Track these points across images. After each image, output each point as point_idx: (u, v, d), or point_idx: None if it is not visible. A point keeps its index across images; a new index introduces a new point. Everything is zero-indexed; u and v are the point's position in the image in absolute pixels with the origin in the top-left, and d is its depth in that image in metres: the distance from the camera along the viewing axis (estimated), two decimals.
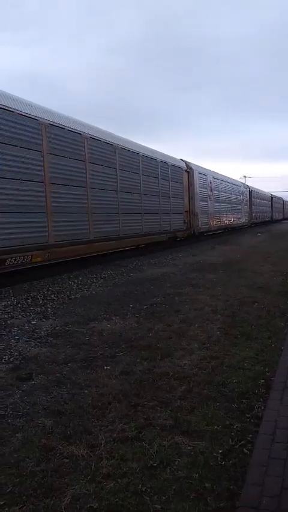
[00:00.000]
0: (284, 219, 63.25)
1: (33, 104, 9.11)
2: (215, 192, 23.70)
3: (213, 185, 23.30)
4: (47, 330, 5.27)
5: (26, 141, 8.54)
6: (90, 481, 2.28)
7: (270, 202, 49.89)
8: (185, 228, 18.67)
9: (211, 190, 22.74)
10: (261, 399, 3.18)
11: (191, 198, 19.39)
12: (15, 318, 5.97)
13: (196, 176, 20.09)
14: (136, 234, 13.92)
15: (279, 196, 61.59)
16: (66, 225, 9.88)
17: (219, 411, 3.01)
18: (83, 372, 3.83)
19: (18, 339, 4.95)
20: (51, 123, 9.40)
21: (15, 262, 8.25)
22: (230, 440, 2.64)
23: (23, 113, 8.51)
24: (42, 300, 7.28)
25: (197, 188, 20.20)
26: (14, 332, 5.25)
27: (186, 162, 19.45)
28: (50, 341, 4.86)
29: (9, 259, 8.09)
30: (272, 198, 52.09)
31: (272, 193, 54.34)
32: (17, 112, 8.35)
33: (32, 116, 8.76)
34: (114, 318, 5.80)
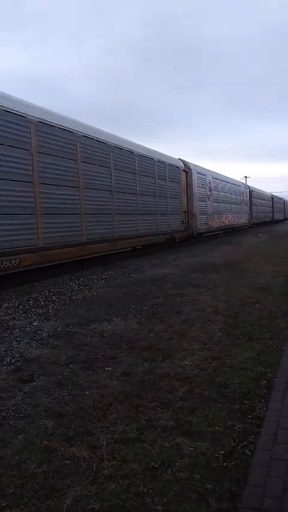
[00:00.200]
0: (285, 219, 63.21)
1: (21, 100, 8.81)
2: (214, 192, 23.51)
3: (213, 185, 23.12)
4: (49, 332, 5.28)
5: (12, 139, 8.21)
6: (92, 482, 2.28)
7: (271, 203, 49.86)
8: (183, 229, 18.36)
9: (210, 190, 22.57)
10: (263, 400, 3.18)
11: (189, 198, 19.15)
12: (17, 320, 5.97)
13: (195, 176, 19.90)
14: (132, 236, 13.54)
15: (280, 196, 61.58)
16: (57, 227, 9.55)
17: (221, 412, 3.01)
18: (84, 374, 3.83)
19: (19, 340, 4.95)
20: (41, 120, 9.08)
21: (2, 266, 7.90)
22: (232, 441, 2.64)
23: (10, 110, 8.20)
24: (44, 301, 7.29)
25: (196, 189, 20.00)
26: (15, 333, 5.26)
27: (184, 162, 19.20)
28: (52, 342, 4.86)
29: None
30: (273, 198, 52.07)
31: (273, 194, 54.34)
32: (3, 108, 8.04)
33: (20, 113, 8.46)
34: (115, 319, 5.80)
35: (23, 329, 5.45)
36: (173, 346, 4.52)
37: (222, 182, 25.75)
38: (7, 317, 6.13)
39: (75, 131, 10.43)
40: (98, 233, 11.33)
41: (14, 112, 8.33)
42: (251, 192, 36.45)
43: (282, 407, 3.01)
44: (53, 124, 9.53)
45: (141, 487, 2.23)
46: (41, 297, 7.59)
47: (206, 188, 21.80)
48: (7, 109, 8.19)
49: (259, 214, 40.66)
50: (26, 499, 2.17)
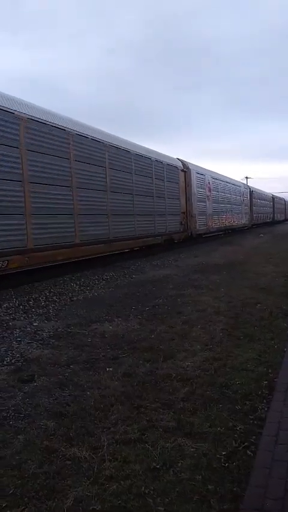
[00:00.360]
0: (286, 219, 63.20)
1: (9, 96, 8.48)
2: (214, 192, 23.28)
3: (212, 186, 22.86)
4: (49, 332, 5.27)
5: (0, 136, 7.91)
6: (93, 483, 2.27)
7: (271, 203, 49.85)
8: (181, 230, 18.02)
9: (210, 191, 22.32)
10: (265, 401, 3.17)
11: (188, 199, 18.82)
12: (17, 320, 5.97)
13: (194, 176, 19.60)
14: (128, 237, 13.13)
15: (280, 196, 61.58)
16: (48, 228, 9.20)
17: (222, 412, 3.00)
18: (85, 374, 3.82)
19: (20, 340, 4.94)
20: (31, 117, 8.76)
21: None
22: (233, 442, 2.63)
23: None
24: (44, 301, 7.28)
25: (195, 189, 19.71)
26: (16, 333, 5.25)
27: (183, 161, 18.83)
28: (52, 342, 4.86)
29: None
30: (274, 199, 52.06)
31: (274, 194, 54.34)
32: None
33: (7, 109, 8.13)
34: (116, 319, 5.79)
35: (24, 329, 5.44)
36: (174, 347, 4.51)
37: (222, 182, 25.52)
38: (7, 317, 6.13)
39: (68, 129, 10.13)
40: (92, 234, 10.96)
41: (2, 108, 8.02)
42: (252, 192, 36.39)
43: (284, 408, 3.00)
44: (44, 121, 9.21)
45: (143, 487, 2.22)
46: (42, 298, 7.58)
47: (205, 189, 21.54)
48: None
49: (260, 215, 40.63)
50: (26, 499, 2.16)
